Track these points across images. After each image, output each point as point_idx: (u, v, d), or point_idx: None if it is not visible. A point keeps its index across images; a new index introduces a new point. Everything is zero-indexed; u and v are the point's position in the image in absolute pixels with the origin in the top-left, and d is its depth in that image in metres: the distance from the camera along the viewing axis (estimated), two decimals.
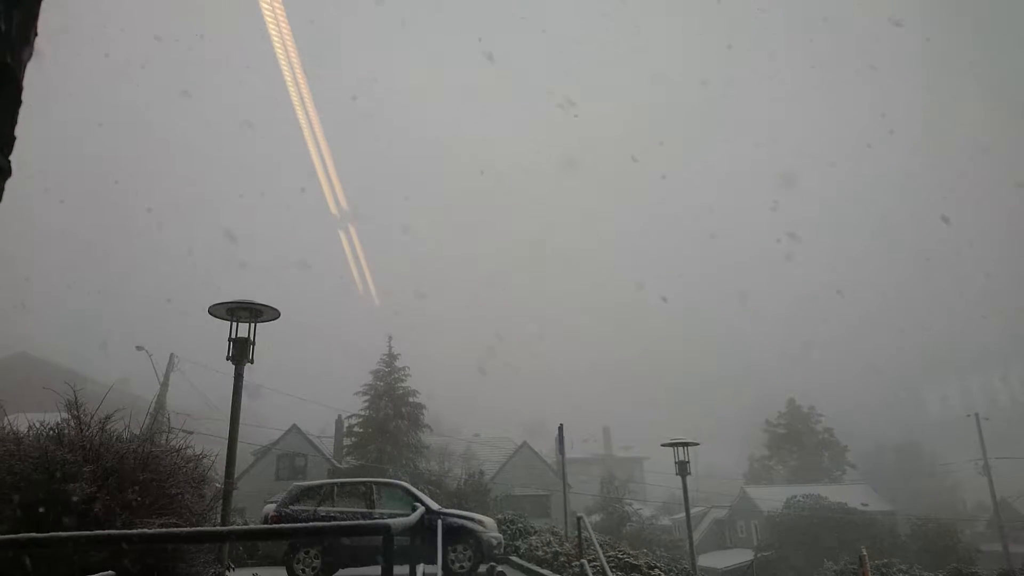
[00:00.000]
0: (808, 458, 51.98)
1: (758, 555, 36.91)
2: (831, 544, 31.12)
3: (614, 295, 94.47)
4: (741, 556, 38.83)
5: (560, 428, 18.50)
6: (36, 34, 1.27)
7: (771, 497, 40.82)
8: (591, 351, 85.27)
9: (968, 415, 40.14)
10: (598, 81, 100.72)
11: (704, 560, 35.33)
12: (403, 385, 34.52)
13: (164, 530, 5.06)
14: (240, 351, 8.98)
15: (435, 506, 13.16)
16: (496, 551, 13.56)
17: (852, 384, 68.56)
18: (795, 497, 38.30)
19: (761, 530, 40.00)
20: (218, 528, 7.64)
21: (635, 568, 10.84)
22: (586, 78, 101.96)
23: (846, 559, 24.26)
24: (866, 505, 38.34)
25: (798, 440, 53.22)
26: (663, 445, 18.49)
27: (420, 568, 6.15)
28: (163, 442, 7.51)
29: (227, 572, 7.68)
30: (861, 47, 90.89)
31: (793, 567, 32.37)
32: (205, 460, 7.52)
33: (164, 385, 25.42)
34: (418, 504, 10.56)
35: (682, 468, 17.53)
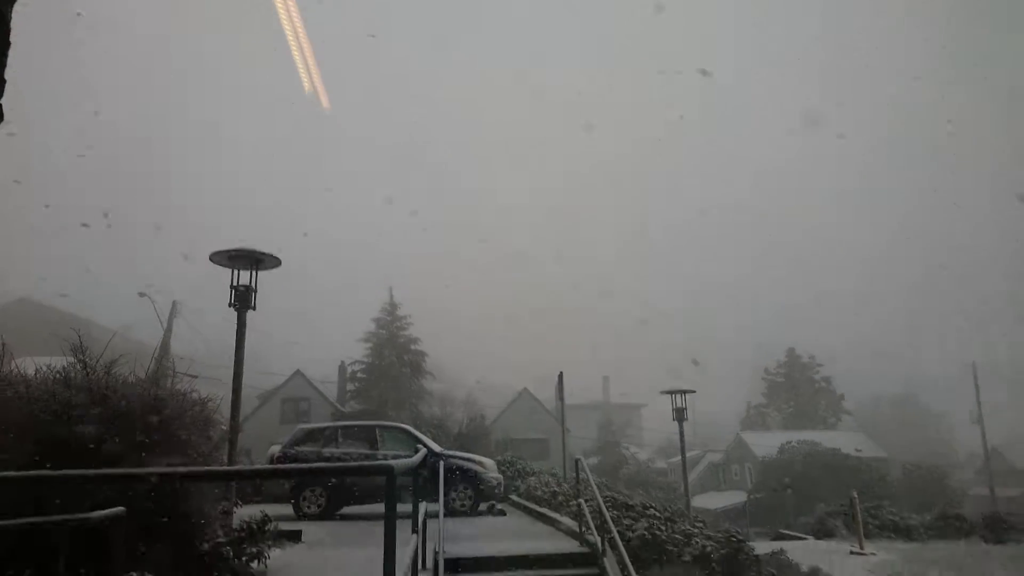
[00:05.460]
0: (804, 406, 52.70)
1: (751, 497, 37.93)
2: (824, 488, 31.85)
3: (618, 245, 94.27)
4: (735, 498, 39.92)
5: (560, 375, 18.78)
6: None
7: (766, 442, 41.65)
8: (595, 301, 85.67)
9: (966, 364, 40.68)
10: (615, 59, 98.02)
11: (698, 501, 36.30)
12: (405, 334, 34.82)
13: (173, 468, 5.21)
14: (242, 299, 9.04)
15: (437, 448, 13.47)
16: (496, 491, 13.95)
17: (854, 336, 69.07)
18: (789, 442, 39.05)
19: (755, 473, 40.94)
20: (225, 468, 7.86)
21: (631, 508, 11.15)
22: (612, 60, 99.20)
23: (838, 502, 24.88)
24: (859, 451, 39.06)
25: (795, 388, 53.89)
26: (662, 392, 18.77)
27: (422, 506, 6.35)
28: (168, 386, 7.64)
29: (234, 508, 7.94)
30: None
31: (786, 508, 33.26)
32: (210, 403, 7.65)
33: (168, 331, 25.66)
34: (420, 446, 10.80)
35: (679, 414, 17.85)
